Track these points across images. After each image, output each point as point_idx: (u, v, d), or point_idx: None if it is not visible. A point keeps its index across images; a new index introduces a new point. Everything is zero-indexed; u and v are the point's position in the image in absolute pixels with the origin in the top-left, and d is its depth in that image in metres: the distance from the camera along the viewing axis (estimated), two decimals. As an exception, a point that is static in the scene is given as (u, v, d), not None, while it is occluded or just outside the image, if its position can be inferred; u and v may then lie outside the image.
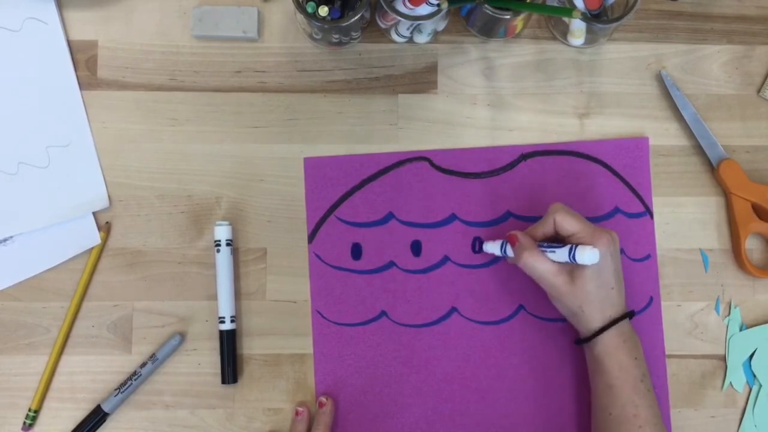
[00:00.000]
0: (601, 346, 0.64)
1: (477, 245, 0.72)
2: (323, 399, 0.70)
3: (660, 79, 0.74)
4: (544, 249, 0.65)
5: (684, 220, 0.74)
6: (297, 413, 0.69)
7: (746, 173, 0.73)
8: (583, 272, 0.63)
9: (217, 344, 0.70)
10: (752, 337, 0.73)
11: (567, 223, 0.64)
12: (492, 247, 0.69)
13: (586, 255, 0.61)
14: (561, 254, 0.63)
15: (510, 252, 0.67)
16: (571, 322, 0.67)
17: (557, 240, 0.66)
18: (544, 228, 0.66)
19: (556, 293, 0.65)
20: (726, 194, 0.73)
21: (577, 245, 0.62)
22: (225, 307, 0.70)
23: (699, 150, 0.74)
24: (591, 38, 0.73)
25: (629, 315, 0.65)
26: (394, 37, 0.73)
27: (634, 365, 0.64)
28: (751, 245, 0.74)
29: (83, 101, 0.72)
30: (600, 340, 0.64)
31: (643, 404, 0.63)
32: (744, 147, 0.74)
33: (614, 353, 0.64)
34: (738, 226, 0.72)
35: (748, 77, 0.75)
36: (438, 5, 0.65)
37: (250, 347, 0.71)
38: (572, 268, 0.64)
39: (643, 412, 0.63)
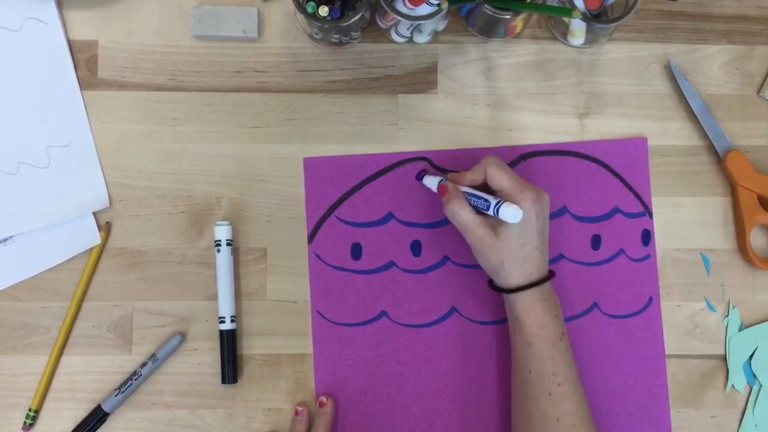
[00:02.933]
0: (520, 305, 0.64)
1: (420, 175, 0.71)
2: (323, 399, 0.70)
3: (660, 79, 0.74)
4: (470, 199, 0.64)
5: (684, 220, 0.74)
6: (297, 413, 0.69)
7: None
8: (507, 228, 0.63)
9: (217, 344, 0.70)
10: (752, 335, 0.73)
11: (498, 177, 0.64)
12: (430, 182, 0.69)
13: (509, 213, 0.61)
14: (486, 207, 0.63)
15: None
16: (492, 278, 0.67)
17: (488, 190, 0.65)
18: (474, 176, 0.66)
19: (479, 245, 0.64)
20: (732, 185, 0.73)
21: (503, 201, 0.62)
22: (225, 307, 0.70)
23: (698, 150, 0.74)
24: (591, 38, 0.73)
25: (549, 277, 0.65)
26: (394, 37, 0.73)
27: (553, 323, 0.64)
28: (756, 237, 0.74)
29: (83, 101, 0.72)
30: (520, 298, 0.64)
31: (562, 361, 0.63)
32: (744, 147, 0.74)
33: (533, 311, 0.64)
34: (743, 218, 0.72)
35: (748, 77, 0.75)
36: (438, 5, 0.65)
37: (250, 347, 0.71)
38: (496, 222, 0.64)
39: (561, 370, 0.63)
